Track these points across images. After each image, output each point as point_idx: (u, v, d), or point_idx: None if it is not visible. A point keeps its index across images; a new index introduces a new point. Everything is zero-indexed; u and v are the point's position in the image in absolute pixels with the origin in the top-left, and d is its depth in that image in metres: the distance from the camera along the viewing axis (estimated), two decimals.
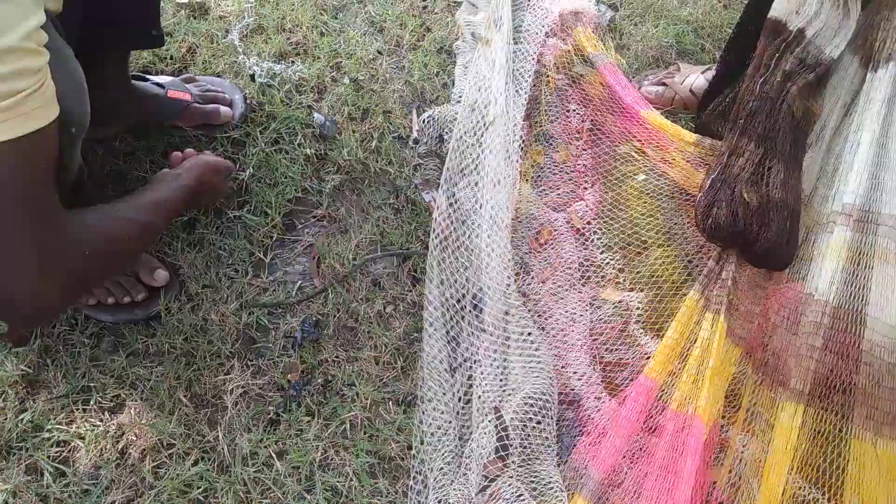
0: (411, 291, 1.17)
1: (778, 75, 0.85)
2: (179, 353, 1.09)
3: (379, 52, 1.48)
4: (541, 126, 1.34)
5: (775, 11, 0.85)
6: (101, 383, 1.06)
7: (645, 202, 1.23)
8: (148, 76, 1.27)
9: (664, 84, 1.43)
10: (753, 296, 0.98)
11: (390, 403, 1.06)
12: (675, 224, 1.19)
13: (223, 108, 1.28)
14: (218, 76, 1.38)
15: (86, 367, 1.07)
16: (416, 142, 1.36)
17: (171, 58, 1.39)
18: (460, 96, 1.34)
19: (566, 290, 1.10)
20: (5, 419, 1.02)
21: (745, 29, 1.13)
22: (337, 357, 1.10)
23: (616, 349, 1.05)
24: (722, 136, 1.18)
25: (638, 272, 1.14)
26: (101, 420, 1.03)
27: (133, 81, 1.22)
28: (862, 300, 0.78)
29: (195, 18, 1.48)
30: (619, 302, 1.09)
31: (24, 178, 0.68)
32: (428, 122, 1.36)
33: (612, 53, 1.42)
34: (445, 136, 1.36)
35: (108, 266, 0.87)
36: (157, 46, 1.21)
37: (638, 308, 1.08)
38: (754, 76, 0.89)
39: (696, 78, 1.40)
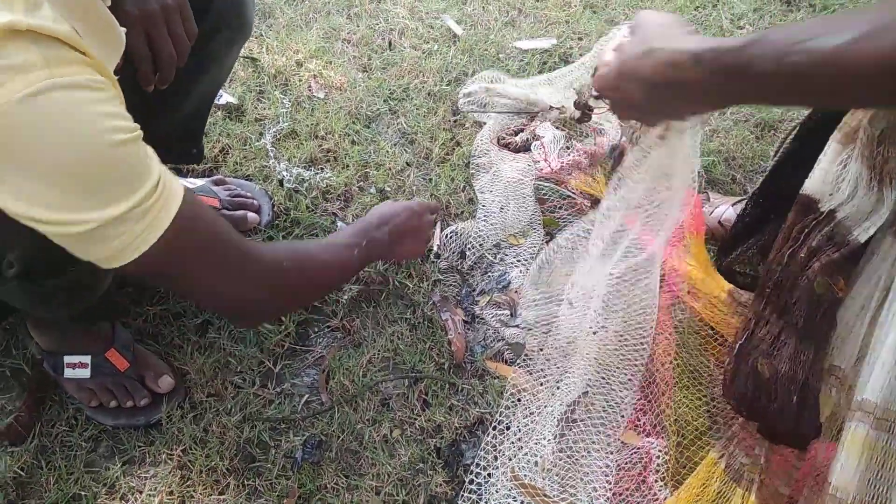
0: (420, 416, 1.13)
1: (804, 251, 0.83)
2: (175, 466, 1.06)
3: (408, 164, 1.49)
4: None
5: (808, 189, 0.84)
6: (93, 492, 1.02)
7: (666, 337, 1.19)
8: (177, 177, 1.29)
9: None
10: (787, 476, 0.93)
11: None
12: (700, 363, 1.15)
13: (250, 215, 1.29)
14: (248, 179, 1.40)
15: (79, 472, 1.04)
16: (437, 256, 1.34)
17: (204, 157, 1.41)
18: (484, 216, 1.34)
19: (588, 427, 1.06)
20: None
21: (767, 189, 1.13)
22: (336, 484, 1.05)
23: (632, 500, 0.99)
24: (741, 284, 1.15)
25: (659, 415, 1.09)
26: None
27: None
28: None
29: (231, 119, 1.52)
30: (640, 448, 1.04)
31: (205, 221, 0.77)
32: (451, 237, 1.36)
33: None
34: (467, 252, 1.35)
35: (305, 277, 0.96)
36: (195, 163, 1.25)
37: (658, 456, 1.02)
38: (782, 248, 0.87)
39: (725, 209, 1.38)
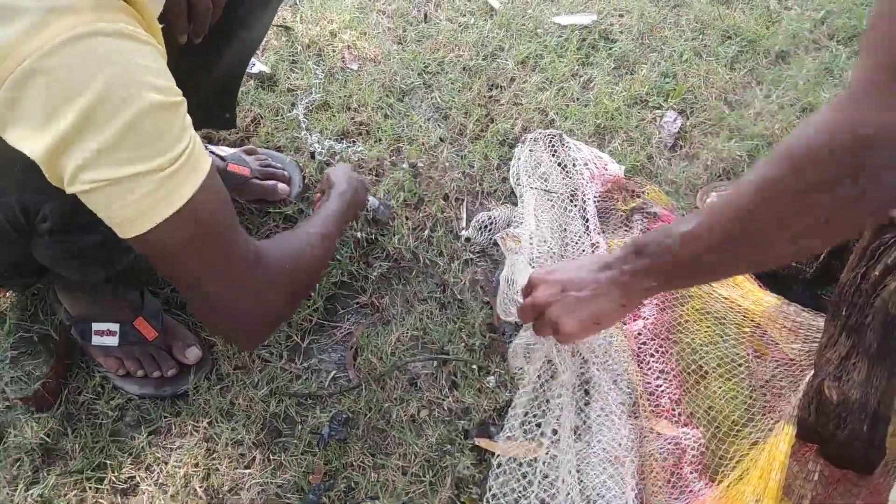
0: (448, 397, 1.11)
1: (878, 268, 0.79)
2: (201, 438, 1.05)
3: (441, 140, 1.46)
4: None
5: None
6: (118, 461, 1.02)
7: (707, 326, 1.16)
8: (209, 145, 1.27)
9: None
10: (846, 494, 0.89)
11: None
12: (739, 355, 1.11)
13: (281, 186, 1.27)
14: (279, 150, 1.37)
15: (105, 441, 1.03)
16: (467, 240, 1.31)
17: (235, 127, 1.39)
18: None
19: (618, 415, 1.02)
20: (16, 490, 0.97)
21: None
22: (363, 462, 1.03)
23: (663, 491, 0.96)
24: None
25: (695, 404, 1.05)
26: (112, 502, 0.98)
27: None
28: None
29: (263, 90, 1.49)
30: (673, 437, 1.00)
31: (220, 212, 0.73)
32: (482, 221, 1.32)
33: (662, 197, 1.37)
34: (499, 238, 1.32)
35: (310, 271, 0.93)
36: (228, 128, 1.23)
37: (693, 448, 0.99)
38: (856, 267, 0.82)
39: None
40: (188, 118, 0.68)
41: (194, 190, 0.67)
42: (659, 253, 0.82)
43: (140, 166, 0.63)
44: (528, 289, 1.02)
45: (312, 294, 1.20)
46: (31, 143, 0.60)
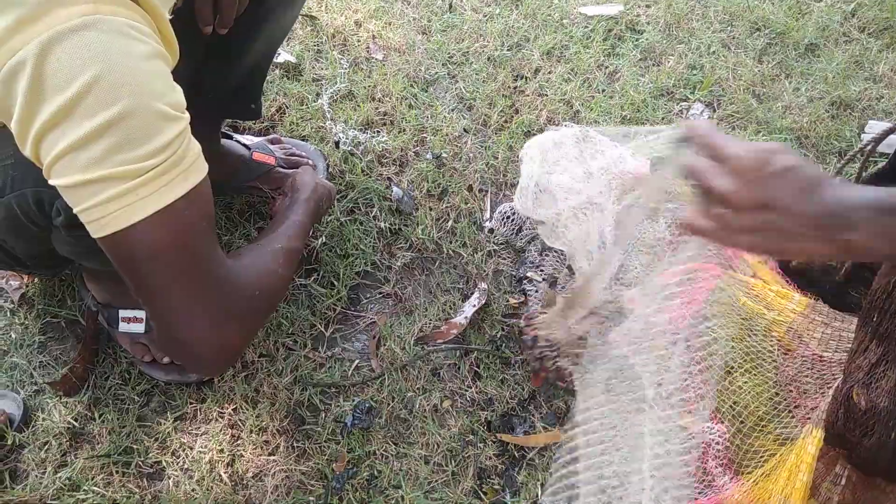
0: (471, 388, 1.11)
1: None
2: (226, 424, 1.05)
3: (465, 130, 1.45)
4: None
5: None
6: (145, 446, 1.03)
7: (733, 319, 1.14)
8: (234, 134, 1.28)
9: None
10: (873, 499, 0.88)
11: None
12: (766, 350, 1.10)
13: None
14: (304, 139, 1.37)
15: (132, 426, 1.04)
16: (490, 231, 1.31)
17: (260, 117, 1.39)
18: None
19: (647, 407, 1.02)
20: (44, 473, 0.99)
21: None
22: (386, 451, 1.04)
23: (685, 486, 0.95)
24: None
25: (721, 399, 1.05)
26: (139, 486, 0.99)
27: (221, 139, 1.22)
28: None
29: (288, 79, 1.49)
30: (699, 431, 1.00)
31: (195, 231, 0.68)
32: (507, 213, 1.32)
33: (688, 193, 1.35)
34: (524, 230, 1.31)
35: (274, 298, 0.85)
36: (254, 119, 1.22)
37: (718, 443, 0.98)
38: (888, 273, 0.80)
39: None
40: (182, 126, 0.65)
41: (170, 201, 0.64)
42: None
43: (110, 169, 0.60)
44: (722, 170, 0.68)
45: (336, 283, 1.20)
46: (20, 132, 0.60)
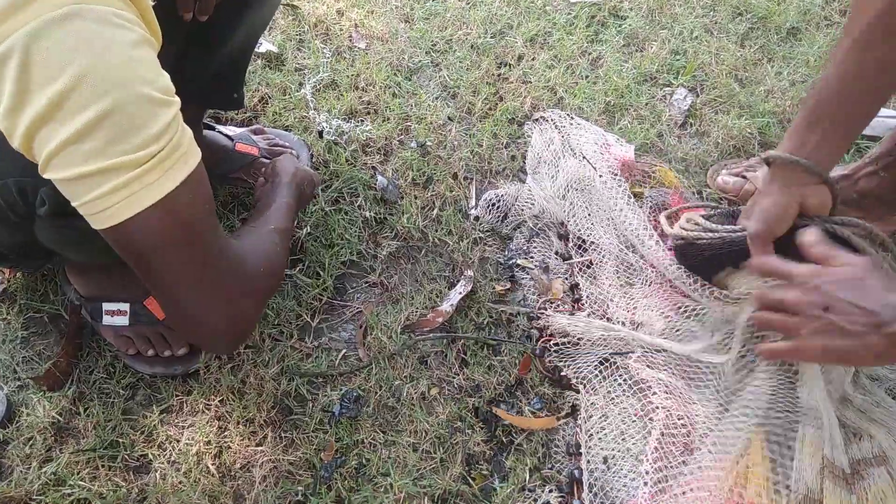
0: (458, 375, 1.11)
1: None
2: (213, 416, 1.05)
3: (449, 119, 1.45)
4: None
5: None
6: (131, 439, 1.02)
7: None
8: (216, 125, 1.27)
9: (744, 177, 1.36)
10: None
11: (426, 499, 0.98)
12: None
13: None
14: (287, 129, 1.37)
15: (117, 419, 1.04)
16: (476, 219, 1.31)
17: (243, 107, 1.38)
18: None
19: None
20: (29, 468, 0.98)
21: None
22: (374, 439, 1.03)
23: (676, 463, 0.96)
24: None
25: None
26: (126, 480, 0.99)
27: (203, 130, 1.21)
28: None
29: (271, 69, 1.48)
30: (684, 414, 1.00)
31: (198, 214, 0.69)
32: (492, 200, 1.31)
33: (669, 176, 1.36)
34: (510, 216, 1.31)
35: (276, 276, 0.87)
36: (236, 109, 1.22)
37: (704, 423, 0.99)
38: None
39: None
40: (174, 111, 0.65)
41: (172, 188, 0.64)
42: None
43: (111, 160, 0.60)
44: (782, 279, 0.85)
45: (322, 273, 1.19)
46: (7, 125, 0.59)
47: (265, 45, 1.49)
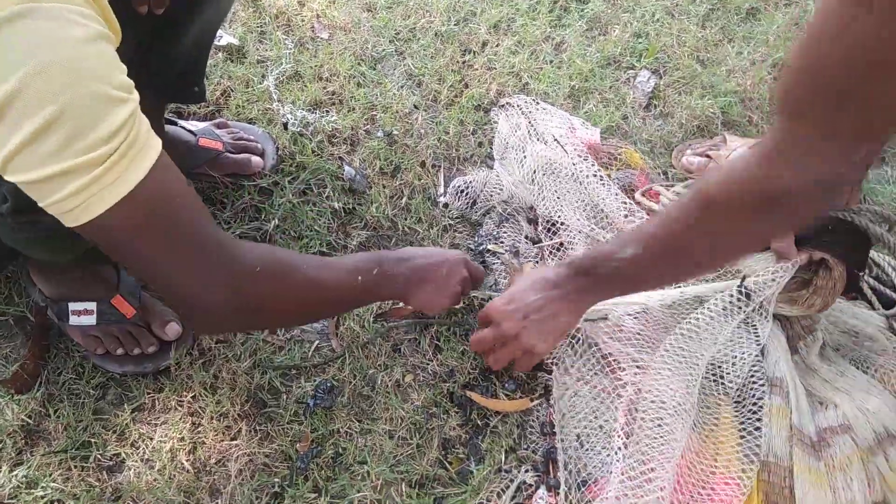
0: (433, 361, 1.11)
1: None
2: (186, 412, 1.04)
3: (415, 107, 1.44)
4: None
5: None
6: (103, 439, 1.01)
7: None
8: (178, 120, 1.25)
9: (708, 156, 1.38)
10: None
11: (403, 485, 0.99)
12: None
13: (254, 159, 1.25)
14: (251, 122, 1.35)
15: (88, 420, 1.03)
16: (445, 206, 1.31)
17: (205, 101, 1.36)
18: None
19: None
20: (0, 472, 0.97)
21: None
22: (349, 428, 1.03)
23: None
24: None
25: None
26: (99, 480, 0.98)
27: (165, 126, 1.19)
28: None
29: (232, 62, 1.47)
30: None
31: (172, 199, 0.69)
32: (461, 187, 1.32)
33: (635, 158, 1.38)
34: (479, 202, 1.32)
35: (280, 290, 0.82)
36: (198, 102, 1.20)
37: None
38: None
39: (742, 152, 1.34)
40: (132, 107, 0.63)
41: (138, 180, 0.63)
42: (604, 274, 0.95)
43: (70, 162, 0.59)
44: (488, 322, 1.04)
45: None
46: None
47: (226, 37, 1.47)
